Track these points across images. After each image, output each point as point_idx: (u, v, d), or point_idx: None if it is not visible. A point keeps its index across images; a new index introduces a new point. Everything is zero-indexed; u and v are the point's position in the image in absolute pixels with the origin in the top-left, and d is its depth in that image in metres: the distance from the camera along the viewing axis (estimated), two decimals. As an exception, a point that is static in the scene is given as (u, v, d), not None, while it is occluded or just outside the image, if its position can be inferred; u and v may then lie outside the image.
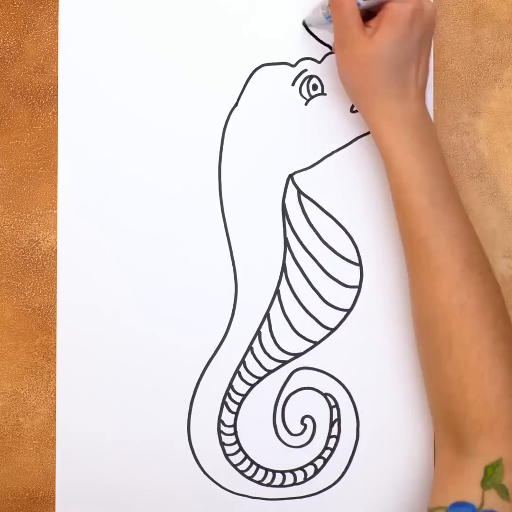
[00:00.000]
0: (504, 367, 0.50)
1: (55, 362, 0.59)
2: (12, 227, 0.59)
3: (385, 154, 0.53)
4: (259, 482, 0.59)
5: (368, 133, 0.59)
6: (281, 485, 0.59)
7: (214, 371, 0.59)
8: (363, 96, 0.54)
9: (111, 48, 0.58)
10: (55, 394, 0.58)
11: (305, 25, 0.58)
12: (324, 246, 0.59)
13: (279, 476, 0.59)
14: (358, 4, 0.52)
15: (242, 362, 0.59)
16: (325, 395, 0.59)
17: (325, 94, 0.59)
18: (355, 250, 0.59)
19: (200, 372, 0.59)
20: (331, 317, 0.59)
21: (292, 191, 0.59)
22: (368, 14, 0.53)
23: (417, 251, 0.53)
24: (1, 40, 0.59)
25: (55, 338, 0.58)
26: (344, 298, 0.59)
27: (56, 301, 0.58)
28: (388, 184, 0.54)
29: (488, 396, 0.50)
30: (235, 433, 0.59)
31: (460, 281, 0.51)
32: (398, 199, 0.53)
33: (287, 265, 0.59)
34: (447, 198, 0.52)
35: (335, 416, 0.59)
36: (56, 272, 0.58)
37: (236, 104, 0.59)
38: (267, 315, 0.59)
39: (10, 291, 0.59)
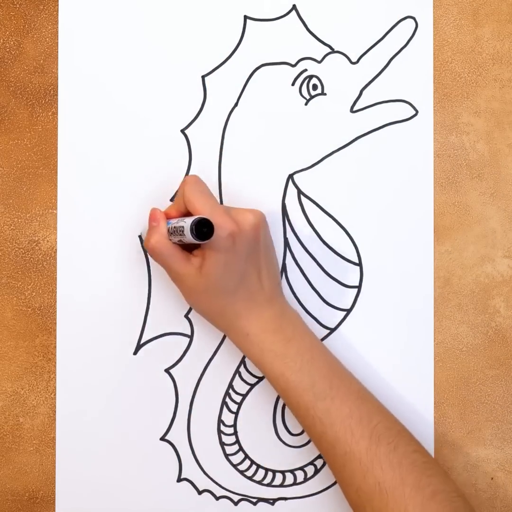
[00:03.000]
0: None
1: (55, 362, 0.58)
2: (12, 227, 0.59)
3: (257, 365, 0.54)
4: (259, 482, 0.59)
5: (368, 133, 0.59)
6: (281, 485, 0.59)
7: (214, 371, 0.59)
8: (215, 318, 0.55)
9: (111, 48, 0.58)
10: (55, 394, 0.58)
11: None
12: (324, 246, 0.59)
13: (279, 476, 0.59)
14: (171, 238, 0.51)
15: (242, 362, 0.59)
16: (325, 395, 0.59)
17: (325, 94, 0.59)
18: (355, 250, 0.59)
19: (200, 372, 0.59)
20: (331, 317, 0.59)
21: (292, 191, 0.59)
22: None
23: (321, 444, 0.52)
24: (1, 40, 0.59)
25: (55, 338, 0.58)
26: (344, 298, 0.59)
27: (56, 301, 0.58)
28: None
29: None
30: (235, 433, 0.59)
31: (369, 461, 0.50)
32: (286, 402, 0.54)
33: (287, 265, 0.59)
34: (330, 384, 0.52)
35: (335, 416, 0.59)
36: (56, 272, 0.58)
37: (236, 104, 0.59)
38: (267, 315, 0.59)
39: (10, 291, 0.59)
